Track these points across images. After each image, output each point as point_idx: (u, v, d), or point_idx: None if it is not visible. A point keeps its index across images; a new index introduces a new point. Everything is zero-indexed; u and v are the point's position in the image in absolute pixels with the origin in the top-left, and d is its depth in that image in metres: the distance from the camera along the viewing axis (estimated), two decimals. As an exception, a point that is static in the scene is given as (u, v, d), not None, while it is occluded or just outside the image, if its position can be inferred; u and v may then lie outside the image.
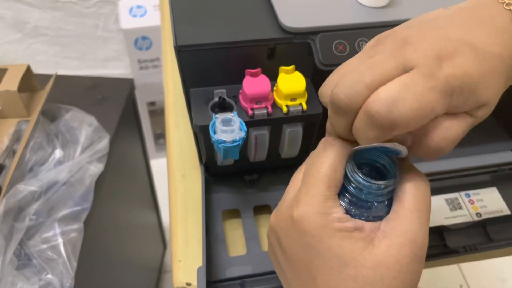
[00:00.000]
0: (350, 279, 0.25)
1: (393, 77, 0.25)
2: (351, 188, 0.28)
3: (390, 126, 0.24)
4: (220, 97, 0.43)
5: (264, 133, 0.44)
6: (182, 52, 0.40)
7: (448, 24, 0.27)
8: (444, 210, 0.49)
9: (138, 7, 1.28)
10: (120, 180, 0.85)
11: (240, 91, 0.42)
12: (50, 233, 0.57)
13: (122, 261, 0.91)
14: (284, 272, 0.30)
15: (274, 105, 0.42)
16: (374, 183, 0.27)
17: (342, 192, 0.28)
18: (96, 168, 0.66)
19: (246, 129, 0.39)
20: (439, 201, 0.50)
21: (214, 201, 0.51)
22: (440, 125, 0.25)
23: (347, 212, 0.27)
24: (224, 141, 0.38)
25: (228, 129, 0.38)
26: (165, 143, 0.60)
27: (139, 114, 0.94)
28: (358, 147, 0.27)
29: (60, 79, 0.73)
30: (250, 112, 0.41)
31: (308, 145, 0.48)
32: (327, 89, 0.29)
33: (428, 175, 0.40)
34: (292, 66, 0.41)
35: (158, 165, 1.19)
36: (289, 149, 0.47)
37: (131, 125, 0.90)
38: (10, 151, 0.62)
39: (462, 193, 0.51)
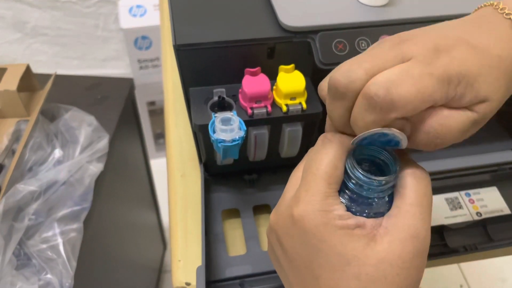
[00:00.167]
0: (353, 278, 0.25)
1: (391, 66, 0.25)
2: (351, 184, 0.27)
3: (388, 107, 0.24)
4: (219, 96, 0.43)
5: (263, 132, 0.44)
6: (181, 51, 0.40)
7: (448, 27, 0.28)
8: (444, 210, 0.49)
9: (138, 6, 1.28)
10: (119, 180, 0.85)
11: (240, 90, 0.42)
12: (50, 233, 0.57)
13: (122, 261, 0.91)
14: (285, 272, 0.29)
15: (274, 104, 0.42)
16: (374, 179, 0.26)
17: (342, 189, 0.28)
18: (96, 168, 0.66)
19: (245, 128, 0.39)
20: (439, 200, 0.50)
21: (214, 201, 0.50)
22: (439, 113, 0.26)
23: (348, 209, 0.27)
24: (224, 141, 0.38)
25: (228, 128, 0.38)
26: (165, 143, 0.60)
27: (138, 113, 0.94)
28: (357, 136, 0.27)
29: (59, 78, 0.73)
30: (249, 111, 0.41)
31: (308, 145, 0.48)
32: (326, 83, 0.29)
33: (428, 174, 0.40)
34: (292, 65, 0.41)
35: (158, 165, 1.19)
36: (288, 148, 0.47)
37: (131, 125, 0.90)
38: (10, 151, 0.62)
39: (462, 192, 0.51)
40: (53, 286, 0.54)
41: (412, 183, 0.27)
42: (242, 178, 0.52)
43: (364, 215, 0.27)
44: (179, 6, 0.43)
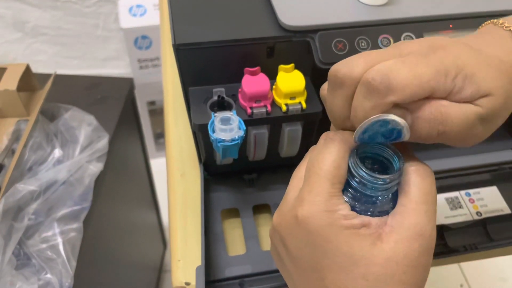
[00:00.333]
0: (360, 278, 0.25)
1: (389, 59, 0.26)
2: (355, 183, 0.27)
3: (385, 91, 0.25)
4: (219, 96, 0.43)
5: (263, 132, 0.44)
6: (181, 51, 0.40)
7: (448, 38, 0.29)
8: (444, 209, 0.49)
9: (138, 6, 1.28)
10: (119, 180, 0.85)
11: (239, 89, 0.42)
12: (49, 233, 0.57)
13: (122, 261, 0.91)
14: (289, 274, 0.29)
15: (273, 103, 0.42)
16: (379, 177, 0.26)
17: (345, 188, 0.28)
18: (96, 168, 0.66)
19: (245, 128, 0.39)
20: (439, 200, 0.50)
21: (214, 201, 0.50)
22: (439, 102, 0.26)
23: (352, 208, 0.27)
24: (223, 140, 0.38)
25: (227, 128, 0.38)
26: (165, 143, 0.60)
27: (138, 113, 0.94)
28: (358, 128, 0.26)
29: (59, 78, 0.73)
30: (249, 111, 0.41)
31: (308, 144, 0.48)
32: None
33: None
34: (292, 65, 0.41)
35: (158, 165, 1.19)
36: (288, 148, 0.46)
37: (131, 124, 0.90)
38: (9, 151, 0.62)
39: (462, 192, 0.51)
40: (53, 286, 0.54)
41: (417, 180, 0.27)
42: (242, 178, 0.52)
43: (369, 214, 0.27)
44: (178, 5, 0.43)
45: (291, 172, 0.32)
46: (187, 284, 0.44)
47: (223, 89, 0.43)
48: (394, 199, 0.27)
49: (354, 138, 0.27)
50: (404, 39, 0.42)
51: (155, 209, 1.17)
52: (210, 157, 0.49)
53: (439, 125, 0.26)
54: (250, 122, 0.42)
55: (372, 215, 0.27)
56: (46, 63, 1.43)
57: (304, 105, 0.42)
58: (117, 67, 1.48)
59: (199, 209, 0.49)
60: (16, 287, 0.51)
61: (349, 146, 0.28)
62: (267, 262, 0.45)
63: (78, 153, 0.65)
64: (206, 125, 0.39)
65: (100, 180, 0.67)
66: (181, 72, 0.42)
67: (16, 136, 0.64)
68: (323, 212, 0.26)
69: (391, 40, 0.41)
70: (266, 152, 0.47)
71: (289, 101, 0.42)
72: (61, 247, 0.57)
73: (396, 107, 0.26)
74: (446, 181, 0.52)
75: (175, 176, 0.53)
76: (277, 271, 0.45)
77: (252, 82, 0.41)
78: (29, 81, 0.68)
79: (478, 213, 0.49)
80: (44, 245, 0.56)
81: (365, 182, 0.26)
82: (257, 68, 0.41)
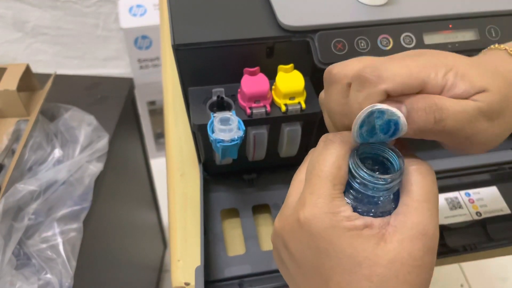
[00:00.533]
0: (364, 279, 0.25)
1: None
2: (356, 184, 0.27)
3: (376, 80, 0.26)
4: (218, 96, 0.42)
5: (262, 132, 0.44)
6: (180, 51, 0.40)
7: None
8: (444, 209, 0.49)
9: (138, 6, 1.28)
10: (119, 180, 0.85)
11: (239, 90, 0.42)
12: (49, 233, 0.57)
13: (122, 261, 0.91)
14: (293, 277, 0.29)
15: (273, 104, 0.42)
16: (380, 178, 0.26)
17: (347, 189, 0.27)
18: (96, 168, 0.66)
19: (244, 128, 0.39)
20: (439, 200, 0.50)
21: (213, 201, 0.50)
22: (433, 95, 0.26)
23: (354, 209, 0.27)
24: (222, 140, 0.38)
25: (226, 128, 0.38)
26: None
27: (138, 113, 0.94)
28: (354, 122, 0.26)
29: (59, 78, 0.73)
30: (248, 111, 0.41)
31: (307, 144, 0.48)
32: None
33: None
34: (291, 65, 0.41)
35: (159, 165, 1.19)
36: (288, 148, 0.46)
37: (131, 124, 0.90)
38: (9, 151, 0.62)
39: (462, 192, 0.51)
40: (53, 286, 0.54)
41: (418, 179, 0.27)
42: (242, 178, 0.52)
43: (371, 214, 0.27)
44: (178, 5, 0.43)
45: (290, 172, 0.32)
46: (187, 284, 0.44)
47: (222, 89, 0.43)
48: (396, 199, 0.27)
49: (352, 135, 0.27)
50: (403, 39, 0.42)
51: (155, 209, 1.17)
52: (210, 157, 0.49)
53: (434, 111, 0.26)
54: (249, 122, 0.42)
55: (375, 216, 0.27)
56: (46, 63, 1.43)
57: (303, 105, 0.41)
58: (117, 67, 1.48)
59: (198, 209, 0.49)
60: (16, 287, 0.51)
61: (349, 147, 0.28)
62: (266, 262, 0.45)
63: (78, 153, 0.65)
64: (206, 125, 0.39)
65: (100, 180, 0.67)
66: (181, 72, 0.42)
67: (16, 136, 0.64)
68: (326, 214, 0.26)
69: (391, 40, 0.41)
70: (266, 152, 0.47)
71: (288, 101, 0.42)
72: (61, 247, 0.57)
73: (390, 100, 0.26)
74: (446, 181, 0.52)
75: (175, 176, 0.53)
76: (277, 271, 0.45)
77: (252, 82, 0.41)
78: (29, 81, 0.68)
79: (478, 213, 0.49)
80: (44, 245, 0.56)
81: (366, 182, 0.26)
82: (256, 68, 0.41)
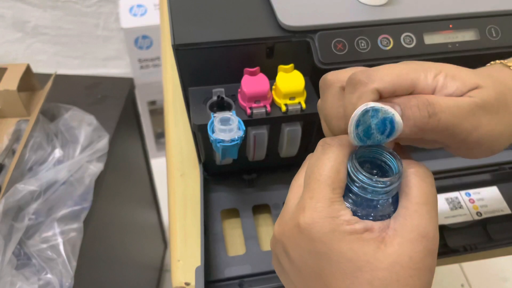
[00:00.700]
0: (365, 283, 0.25)
1: None
2: (355, 188, 0.27)
3: (367, 80, 0.27)
4: (218, 96, 0.42)
5: (262, 132, 0.44)
6: (180, 51, 0.40)
7: None
8: (444, 210, 0.49)
9: (139, 6, 1.28)
10: (120, 180, 0.85)
11: (239, 90, 0.42)
12: (50, 233, 0.57)
13: (123, 261, 0.91)
14: (293, 283, 0.29)
15: (273, 104, 0.42)
16: (379, 181, 0.26)
17: (346, 193, 0.27)
18: (96, 168, 0.66)
19: (244, 128, 0.39)
20: (439, 200, 0.50)
21: (213, 201, 0.50)
22: (425, 95, 0.27)
23: (354, 213, 0.26)
24: (223, 140, 0.38)
25: (227, 128, 0.38)
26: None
27: (139, 113, 0.94)
28: (349, 123, 0.26)
29: (59, 78, 0.73)
30: (248, 111, 0.41)
31: (307, 144, 0.48)
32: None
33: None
34: (291, 65, 0.41)
35: (159, 164, 1.19)
36: (288, 148, 0.46)
37: (131, 124, 0.90)
38: (10, 151, 0.62)
39: (463, 192, 0.51)
40: (53, 286, 0.54)
41: (417, 181, 0.27)
42: (242, 178, 0.52)
43: (371, 218, 0.27)
44: (178, 6, 0.43)
45: (290, 172, 0.32)
46: (187, 284, 0.44)
47: (222, 90, 0.43)
48: (395, 202, 0.27)
49: (349, 136, 0.27)
50: (403, 39, 0.42)
51: (155, 208, 1.17)
52: (210, 157, 0.49)
53: (427, 106, 0.26)
54: (249, 122, 0.42)
55: (374, 219, 0.26)
56: (46, 63, 1.43)
57: (303, 105, 0.41)
58: (117, 67, 1.48)
59: (198, 209, 0.49)
60: (16, 287, 0.51)
61: (347, 150, 0.28)
62: (266, 262, 0.45)
63: (78, 153, 0.65)
64: (206, 125, 0.39)
65: (100, 180, 0.67)
66: (181, 73, 0.42)
67: (16, 136, 0.64)
68: (326, 219, 0.26)
69: (391, 40, 0.41)
70: (266, 152, 0.47)
71: (288, 101, 0.42)
72: (61, 247, 0.57)
73: (384, 101, 0.27)
74: (446, 181, 0.52)
75: (175, 176, 0.53)
76: (276, 271, 0.45)
77: (252, 83, 0.41)
78: (30, 81, 0.68)
79: (478, 213, 0.49)
80: (44, 245, 0.56)
81: (365, 186, 0.26)
82: (256, 69, 0.41)
